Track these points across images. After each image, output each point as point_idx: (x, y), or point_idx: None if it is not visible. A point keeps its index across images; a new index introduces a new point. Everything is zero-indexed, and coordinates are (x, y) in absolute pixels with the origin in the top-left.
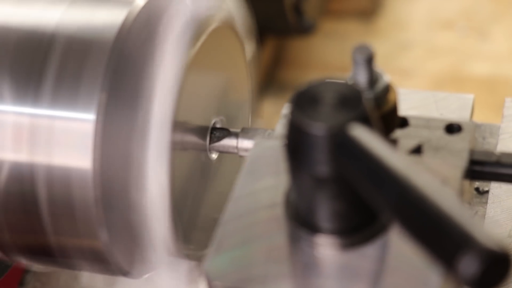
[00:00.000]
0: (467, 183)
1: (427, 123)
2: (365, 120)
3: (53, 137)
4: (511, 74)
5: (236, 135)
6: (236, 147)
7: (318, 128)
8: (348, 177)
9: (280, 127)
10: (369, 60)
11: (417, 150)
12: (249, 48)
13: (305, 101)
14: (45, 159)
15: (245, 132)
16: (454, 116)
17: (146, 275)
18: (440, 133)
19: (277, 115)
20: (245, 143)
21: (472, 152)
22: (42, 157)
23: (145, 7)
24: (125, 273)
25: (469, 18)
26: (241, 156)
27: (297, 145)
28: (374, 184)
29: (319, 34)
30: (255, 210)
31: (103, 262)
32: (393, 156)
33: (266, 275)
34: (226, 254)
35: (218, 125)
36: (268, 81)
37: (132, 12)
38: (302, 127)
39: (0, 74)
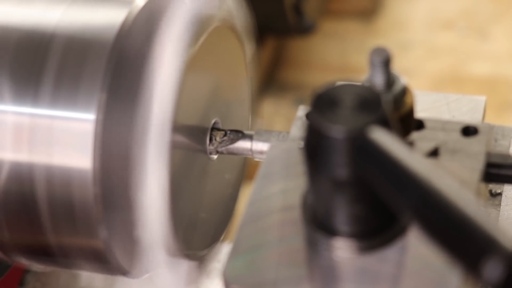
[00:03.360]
0: (483, 185)
1: (443, 125)
2: (385, 123)
3: (53, 137)
4: (511, 74)
5: (250, 137)
6: (251, 150)
7: (338, 131)
8: (368, 180)
9: (295, 129)
10: (386, 62)
11: (434, 153)
12: (249, 48)
13: (324, 104)
14: (45, 159)
15: (259, 134)
16: (466, 118)
17: (146, 275)
18: (457, 136)
19: (277, 115)
20: (259, 146)
21: (488, 154)
22: (42, 157)
23: (145, 7)
24: (125, 273)
25: (469, 18)
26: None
27: (316, 147)
28: (395, 188)
29: (319, 34)
30: (272, 213)
31: (103, 262)
32: (414, 159)
33: (284, 279)
34: (243, 258)
35: (218, 125)
36: (268, 81)
37: (132, 12)
38: (321, 130)
39: (0, 74)
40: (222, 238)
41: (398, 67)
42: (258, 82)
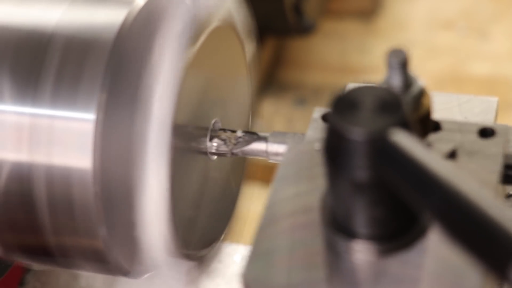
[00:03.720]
0: (500, 187)
1: (460, 127)
2: (405, 125)
3: (53, 136)
4: (511, 74)
5: (265, 139)
6: (266, 152)
7: (358, 133)
8: (389, 182)
9: (311, 131)
10: (404, 64)
11: (451, 155)
12: (249, 48)
13: (344, 106)
14: (45, 159)
15: (274, 136)
16: (478, 119)
17: (146, 275)
18: (474, 137)
19: (277, 115)
20: (275, 148)
21: (506, 156)
22: (42, 157)
23: (145, 7)
24: (125, 273)
25: (469, 18)
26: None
27: (336, 150)
28: (418, 190)
29: (319, 34)
30: (291, 215)
31: (103, 262)
32: (435, 161)
33: (303, 282)
34: (262, 260)
35: (218, 125)
36: (268, 81)
37: (132, 12)
38: (341, 132)
39: (0, 74)
40: (222, 238)
41: None
42: (258, 82)
